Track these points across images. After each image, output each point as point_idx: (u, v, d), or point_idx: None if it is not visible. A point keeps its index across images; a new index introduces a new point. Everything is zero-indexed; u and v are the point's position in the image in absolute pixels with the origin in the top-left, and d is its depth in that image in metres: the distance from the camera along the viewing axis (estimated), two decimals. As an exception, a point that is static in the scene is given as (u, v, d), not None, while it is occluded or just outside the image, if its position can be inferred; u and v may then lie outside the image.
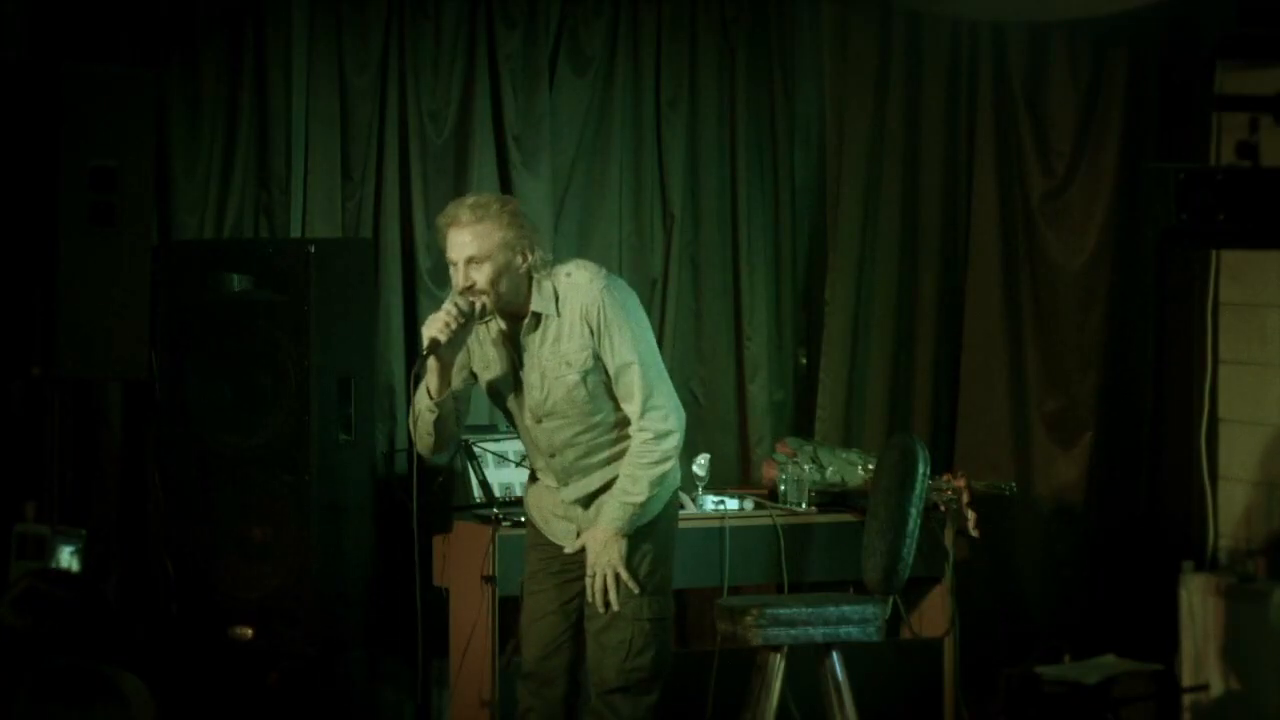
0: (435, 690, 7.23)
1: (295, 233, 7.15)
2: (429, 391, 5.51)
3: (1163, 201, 4.63)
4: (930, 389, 7.87)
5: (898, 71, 7.81)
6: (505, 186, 7.26)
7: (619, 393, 5.55)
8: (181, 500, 6.73)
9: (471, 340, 5.60)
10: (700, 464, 7.09)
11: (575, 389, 5.52)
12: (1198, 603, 7.07)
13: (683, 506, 6.27)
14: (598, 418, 5.57)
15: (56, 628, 3.77)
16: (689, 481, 7.12)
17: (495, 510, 6.71)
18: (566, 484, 5.62)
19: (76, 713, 3.41)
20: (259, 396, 6.63)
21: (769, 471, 7.25)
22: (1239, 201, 4.59)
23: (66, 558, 5.99)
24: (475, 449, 6.88)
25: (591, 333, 5.50)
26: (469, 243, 5.44)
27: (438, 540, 6.93)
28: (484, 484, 6.90)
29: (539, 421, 5.58)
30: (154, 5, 6.99)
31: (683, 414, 5.64)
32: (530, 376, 5.55)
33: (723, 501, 7.02)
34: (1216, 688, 7.03)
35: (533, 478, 5.82)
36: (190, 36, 7.05)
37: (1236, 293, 7.24)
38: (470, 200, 5.56)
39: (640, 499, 5.53)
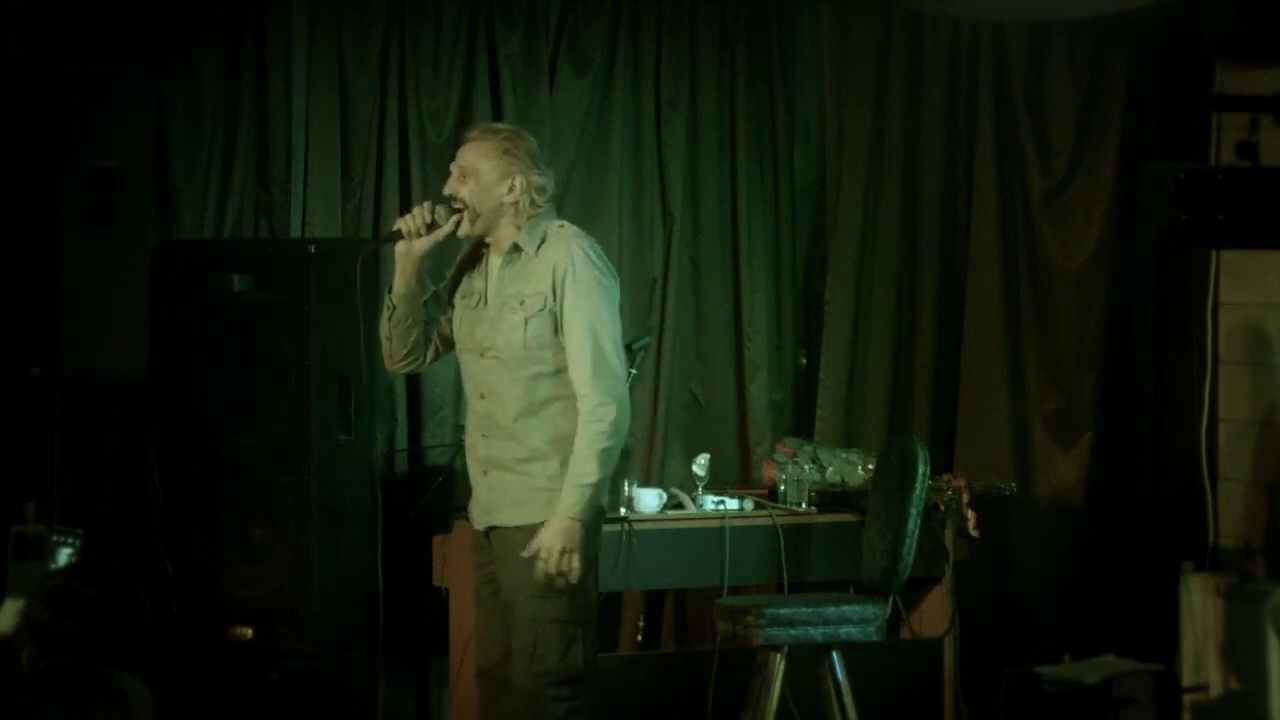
0: (435, 690, 7.24)
1: (295, 233, 7.15)
2: (390, 288, 5.56)
3: (1163, 201, 4.63)
4: (930, 389, 7.87)
5: (898, 71, 7.82)
6: (505, 186, 7.27)
7: (568, 357, 5.47)
8: (181, 500, 6.73)
9: (462, 269, 5.64)
10: (700, 464, 7.09)
11: (514, 330, 5.47)
12: (1198, 603, 7.07)
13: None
14: (531, 370, 5.47)
15: (82, 626, 3.78)
16: (689, 481, 7.13)
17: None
18: (486, 435, 5.54)
19: (77, 713, 3.41)
20: (259, 396, 6.62)
21: (769, 471, 7.25)
22: (1239, 201, 4.58)
23: (64, 558, 5.98)
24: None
25: (553, 282, 5.47)
26: (463, 154, 5.55)
27: (438, 540, 6.93)
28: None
29: (481, 356, 5.54)
30: (154, 5, 6.99)
31: (627, 407, 5.50)
32: (487, 310, 5.54)
33: (723, 501, 7.02)
34: (1216, 688, 7.02)
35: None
36: (190, 36, 7.05)
37: (1236, 293, 7.24)
38: (489, 124, 5.75)
39: (592, 479, 5.40)
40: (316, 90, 7.20)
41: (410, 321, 5.56)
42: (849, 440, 7.65)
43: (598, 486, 5.44)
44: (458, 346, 5.64)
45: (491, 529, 5.57)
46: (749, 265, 7.70)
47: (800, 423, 7.78)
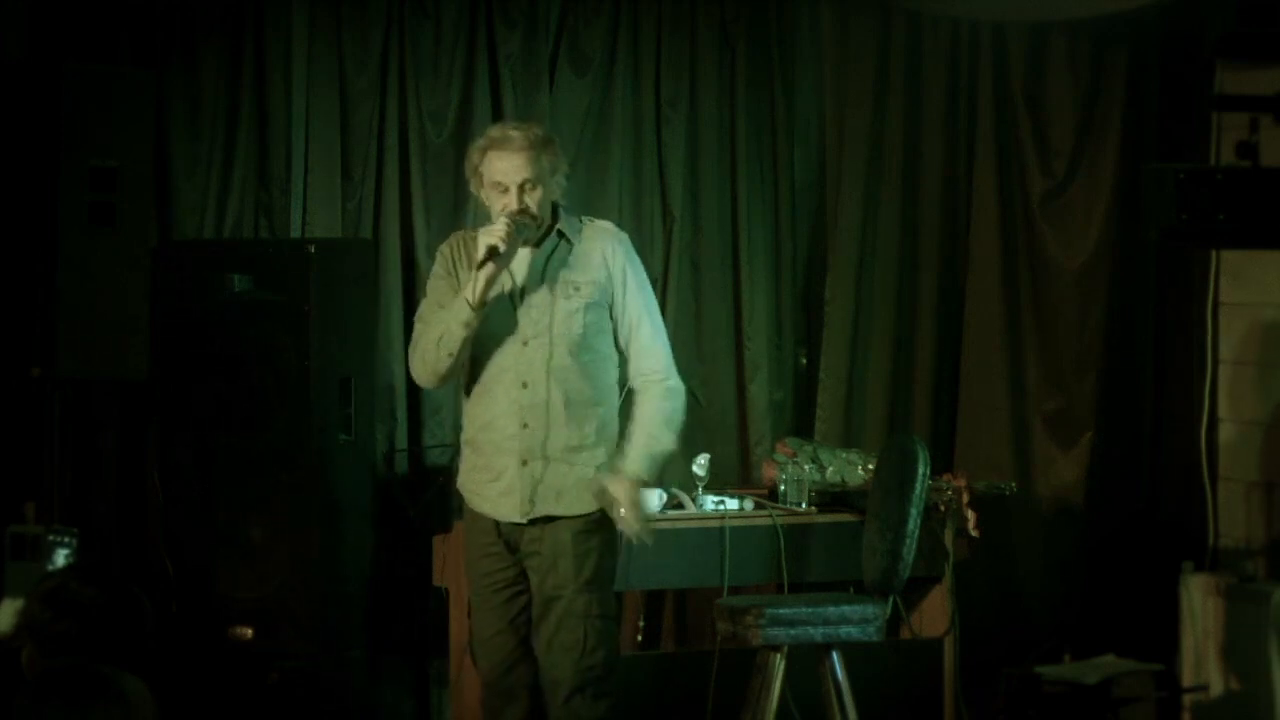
0: (435, 690, 7.23)
1: (295, 233, 7.15)
2: (470, 302, 5.48)
3: (1163, 201, 4.63)
4: (930, 389, 7.87)
5: (898, 71, 7.81)
6: (505, 186, 7.27)
7: (636, 345, 5.61)
8: (181, 500, 6.73)
9: (462, 268, 5.64)
10: (700, 464, 7.09)
11: (573, 316, 5.54)
12: (1198, 603, 7.07)
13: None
14: (584, 357, 5.55)
15: (81, 627, 3.78)
16: (689, 481, 7.12)
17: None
18: (528, 425, 5.54)
19: (77, 713, 3.41)
20: (259, 396, 6.62)
21: (769, 471, 7.24)
22: (1239, 201, 4.58)
23: (62, 558, 5.98)
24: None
25: (608, 274, 5.59)
26: (524, 166, 5.54)
27: (438, 540, 6.93)
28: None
29: (525, 344, 5.55)
30: (154, 5, 6.99)
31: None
32: (531, 296, 5.57)
33: (723, 501, 7.01)
34: (1216, 688, 7.02)
35: (470, 468, 5.70)
36: (190, 36, 7.05)
37: (1236, 293, 7.24)
38: (519, 125, 5.69)
39: (667, 448, 5.58)
40: (316, 90, 7.20)
41: (476, 327, 5.56)
42: (849, 440, 7.65)
43: (665, 458, 5.61)
44: (485, 336, 5.58)
45: (540, 520, 5.56)
46: (749, 265, 7.70)
47: (800, 423, 7.78)
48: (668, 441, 5.57)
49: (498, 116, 7.32)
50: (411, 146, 7.30)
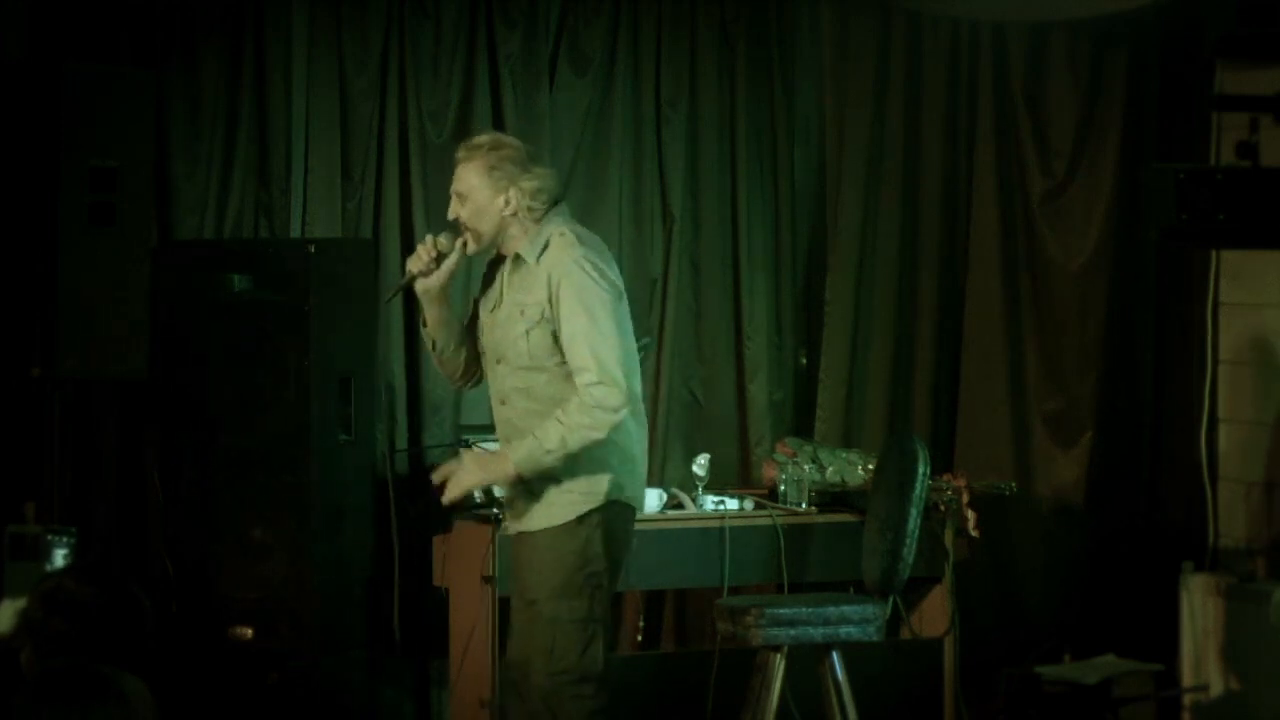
0: (435, 690, 7.24)
1: (295, 233, 7.15)
2: (423, 323, 5.63)
3: (1163, 201, 4.63)
4: (930, 389, 7.87)
5: (898, 71, 7.81)
6: (505, 186, 7.26)
7: (570, 362, 5.45)
8: (181, 500, 6.73)
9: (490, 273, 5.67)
10: (700, 464, 7.09)
11: (519, 340, 5.50)
12: (1198, 603, 7.07)
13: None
14: (537, 379, 5.49)
15: (80, 627, 3.78)
16: (689, 481, 7.12)
17: (495, 510, 6.68)
18: (509, 440, 5.56)
19: (76, 713, 3.41)
20: (259, 396, 6.63)
21: (769, 471, 7.25)
22: (1239, 201, 4.59)
23: (60, 558, 5.99)
24: (475, 449, 6.87)
25: (549, 293, 5.46)
26: (458, 177, 5.57)
27: (438, 540, 6.93)
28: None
29: (498, 363, 5.58)
30: (154, 5, 6.99)
31: (625, 399, 5.41)
32: (497, 316, 5.58)
33: (723, 501, 7.01)
34: (1216, 688, 7.02)
35: None
36: (190, 36, 7.05)
37: (1236, 293, 7.24)
38: (471, 139, 5.69)
39: (547, 448, 5.38)
40: (316, 90, 7.20)
41: (455, 345, 5.61)
42: (849, 440, 7.65)
43: (550, 457, 5.41)
44: (483, 353, 5.65)
45: (520, 534, 5.59)
46: (749, 265, 7.70)
47: (800, 423, 7.78)
48: (556, 447, 5.37)
49: (498, 116, 7.33)
50: (411, 146, 7.30)
